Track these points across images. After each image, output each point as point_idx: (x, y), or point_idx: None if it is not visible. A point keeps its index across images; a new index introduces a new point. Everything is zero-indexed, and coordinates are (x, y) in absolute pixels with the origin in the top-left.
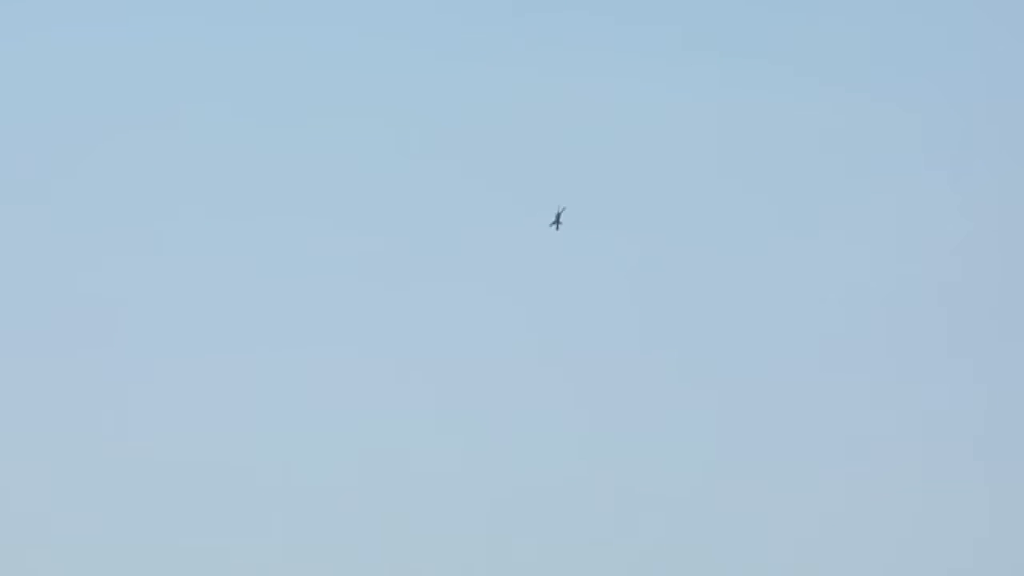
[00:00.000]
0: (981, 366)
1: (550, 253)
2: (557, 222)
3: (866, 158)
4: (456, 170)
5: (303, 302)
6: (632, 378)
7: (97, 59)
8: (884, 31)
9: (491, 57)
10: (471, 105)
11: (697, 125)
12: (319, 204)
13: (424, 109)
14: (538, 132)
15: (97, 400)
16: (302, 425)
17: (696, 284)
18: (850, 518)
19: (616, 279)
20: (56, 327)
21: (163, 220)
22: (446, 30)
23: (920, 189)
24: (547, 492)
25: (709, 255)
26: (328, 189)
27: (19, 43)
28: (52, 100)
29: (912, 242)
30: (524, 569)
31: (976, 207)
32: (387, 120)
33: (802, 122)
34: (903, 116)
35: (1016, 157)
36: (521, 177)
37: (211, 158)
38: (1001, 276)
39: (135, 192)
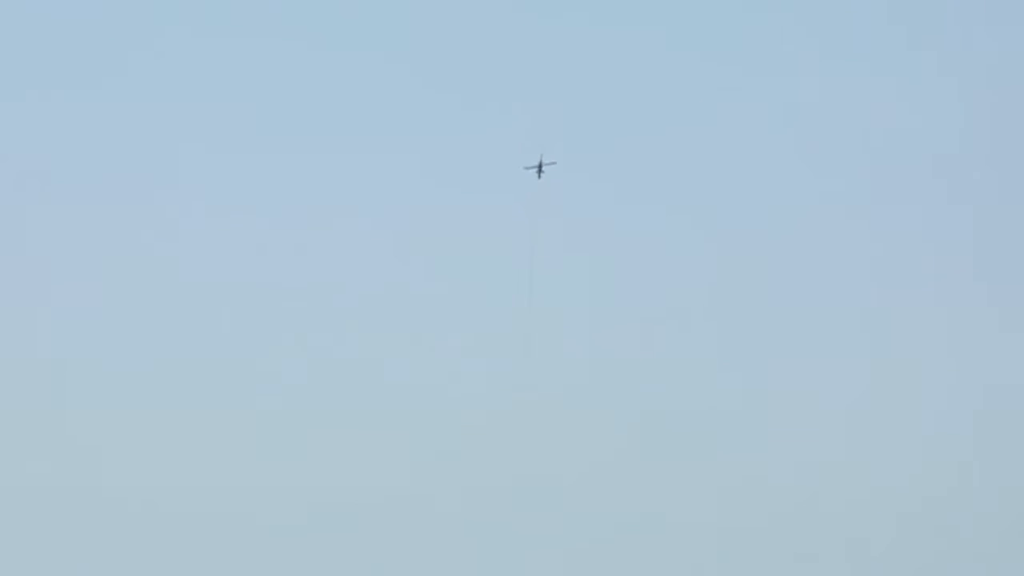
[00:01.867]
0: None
1: (550, 123)
2: (539, 169)
3: (867, 28)
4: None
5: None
6: (629, 237)
7: None
8: None
9: None
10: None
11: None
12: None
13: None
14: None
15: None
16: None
17: (692, 145)
18: (851, 359)
19: (610, 141)
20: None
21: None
22: None
23: (914, 66)
24: (548, 351)
25: (706, 120)
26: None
27: None
28: None
29: (914, 97)
30: (525, 422)
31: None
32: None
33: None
34: None
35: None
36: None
37: (201, 38)
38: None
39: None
